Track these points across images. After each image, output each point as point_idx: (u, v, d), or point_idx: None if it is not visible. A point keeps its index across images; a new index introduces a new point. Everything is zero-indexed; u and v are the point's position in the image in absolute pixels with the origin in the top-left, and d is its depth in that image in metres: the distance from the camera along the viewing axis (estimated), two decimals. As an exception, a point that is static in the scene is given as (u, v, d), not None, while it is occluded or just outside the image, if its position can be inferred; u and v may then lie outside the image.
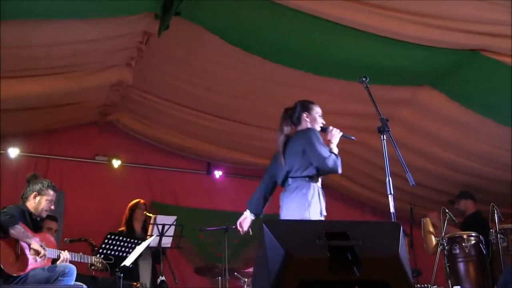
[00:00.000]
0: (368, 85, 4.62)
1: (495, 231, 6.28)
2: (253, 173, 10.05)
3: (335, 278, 2.88)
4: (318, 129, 4.98)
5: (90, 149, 9.06)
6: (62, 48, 5.87)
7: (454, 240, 6.59)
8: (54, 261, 5.55)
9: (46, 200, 5.57)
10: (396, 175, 4.76)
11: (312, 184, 4.78)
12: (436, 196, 9.06)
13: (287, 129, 5.09)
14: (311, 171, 4.79)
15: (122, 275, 5.63)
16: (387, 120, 4.47)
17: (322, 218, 4.71)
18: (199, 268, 8.04)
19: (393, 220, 4.13)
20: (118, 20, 5.51)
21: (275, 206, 9.88)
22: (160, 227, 6.73)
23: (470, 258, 6.47)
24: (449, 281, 6.55)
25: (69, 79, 6.59)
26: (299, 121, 5.06)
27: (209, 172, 9.82)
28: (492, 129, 7.09)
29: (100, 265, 5.80)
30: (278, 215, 9.79)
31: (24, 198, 5.58)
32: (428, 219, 7.36)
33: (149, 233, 6.80)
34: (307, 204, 4.66)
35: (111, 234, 6.05)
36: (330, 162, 4.70)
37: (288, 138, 5.05)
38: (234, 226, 7.29)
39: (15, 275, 5.11)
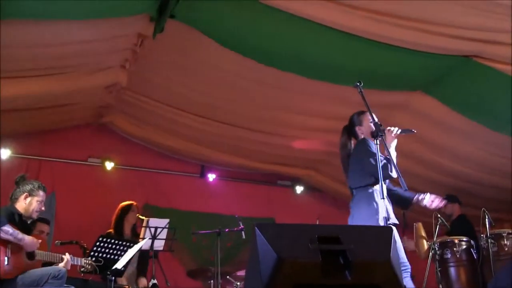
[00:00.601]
0: (362, 90, 4.64)
1: (486, 236, 6.31)
2: (247, 176, 10.08)
3: (327, 282, 2.88)
4: (391, 135, 5.07)
5: (83, 151, 9.04)
6: (56, 49, 5.84)
7: (445, 245, 6.63)
8: (44, 264, 5.51)
9: (37, 201, 5.53)
10: (389, 180, 4.79)
11: (374, 191, 4.89)
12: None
13: (348, 145, 5.33)
14: (370, 179, 4.92)
15: (113, 278, 5.61)
16: (381, 125, 4.50)
17: (392, 223, 4.78)
18: (191, 271, 8.03)
19: (385, 224, 4.15)
20: (112, 22, 5.50)
21: (268, 209, 9.95)
22: (152, 230, 6.71)
23: (461, 263, 6.51)
24: (440, 286, 6.57)
25: (63, 81, 6.56)
26: (356, 135, 5.28)
27: (203, 175, 9.81)
28: (484, 134, 7.12)
29: (90, 266, 5.75)
30: (272, 219, 9.85)
31: (14, 200, 5.51)
32: (420, 224, 7.38)
33: (141, 236, 6.76)
34: (375, 212, 4.78)
35: (102, 236, 6.03)
36: (382, 170, 4.72)
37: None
38: (227, 229, 7.35)
39: (5, 278, 5.07)
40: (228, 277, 7.40)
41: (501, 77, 6.00)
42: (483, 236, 6.48)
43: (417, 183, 8.51)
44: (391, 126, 5.04)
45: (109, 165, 9.05)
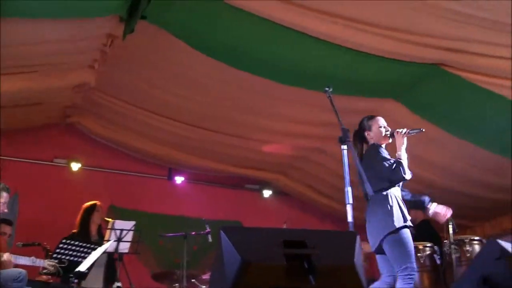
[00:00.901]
0: (332, 95, 4.63)
1: (450, 242, 6.39)
2: (215, 180, 10.06)
3: (291, 286, 2.87)
4: (384, 140, 5.14)
5: (49, 151, 8.93)
6: (24, 48, 5.76)
7: (410, 251, 6.68)
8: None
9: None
10: (357, 185, 4.82)
11: (388, 194, 4.94)
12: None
13: (359, 150, 5.29)
14: (384, 183, 4.97)
15: (76, 280, 5.53)
16: (348, 130, 4.51)
17: (407, 224, 4.84)
18: (156, 274, 7.95)
19: (351, 229, 4.16)
20: (82, 22, 5.44)
21: (236, 213, 9.92)
22: (118, 232, 6.63)
23: (425, 268, 6.56)
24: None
25: (31, 80, 6.48)
26: (366, 140, 5.27)
27: (171, 177, 9.76)
28: (450, 142, 7.21)
29: (53, 268, 5.65)
30: (239, 222, 9.85)
31: None
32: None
33: (106, 238, 6.67)
34: (389, 214, 4.82)
35: (66, 238, 5.94)
36: (395, 173, 4.89)
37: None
38: (193, 233, 7.31)
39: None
40: (193, 280, 7.36)
41: (468, 86, 6.09)
42: (446, 242, 6.56)
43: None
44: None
45: (75, 166, 8.96)
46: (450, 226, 6.37)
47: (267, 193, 10.51)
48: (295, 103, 7.09)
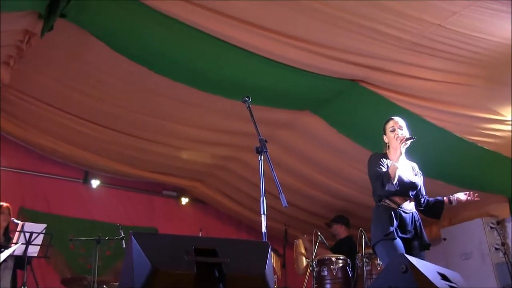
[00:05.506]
0: (251, 105, 4.66)
1: (361, 255, 6.56)
2: (132, 185, 9.92)
3: (200, 294, 2.88)
4: (397, 143, 4.88)
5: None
6: None
7: (323, 262, 6.83)
8: None
9: None
10: (274, 196, 4.86)
11: (379, 206, 4.94)
12: (310, 219, 9.31)
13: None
14: (375, 196, 5.01)
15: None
16: (266, 141, 4.54)
17: (392, 238, 4.76)
18: (66, 279, 7.77)
19: (264, 239, 4.19)
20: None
21: (152, 219, 9.81)
22: (27, 234, 6.43)
23: (336, 280, 6.73)
24: (317, 301, 6.75)
25: None
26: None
27: (86, 180, 9.51)
28: (365, 156, 7.39)
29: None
30: (155, 229, 9.74)
31: None
32: (300, 241, 7.59)
33: (14, 240, 6.46)
34: (380, 227, 4.83)
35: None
36: (379, 185, 4.84)
37: None
38: (107, 238, 7.17)
39: None
40: (105, 286, 7.23)
41: (384, 103, 6.28)
42: (358, 255, 6.72)
43: (299, 200, 8.73)
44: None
45: (-17, 165, 8.58)
46: (363, 240, 6.54)
47: (184, 200, 10.45)
48: (215, 112, 7.10)
